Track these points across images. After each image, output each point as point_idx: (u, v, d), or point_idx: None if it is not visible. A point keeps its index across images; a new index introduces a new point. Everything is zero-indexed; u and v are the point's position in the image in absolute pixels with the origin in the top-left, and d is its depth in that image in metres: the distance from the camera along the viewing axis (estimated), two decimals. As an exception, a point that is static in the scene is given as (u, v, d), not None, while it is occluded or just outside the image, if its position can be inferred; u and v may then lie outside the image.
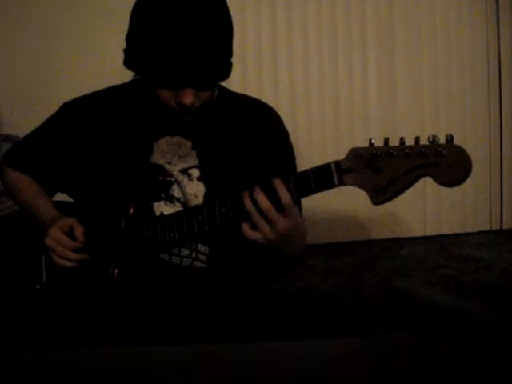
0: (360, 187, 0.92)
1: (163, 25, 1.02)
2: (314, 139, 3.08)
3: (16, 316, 1.20)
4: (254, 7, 2.95)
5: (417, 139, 0.90)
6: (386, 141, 0.91)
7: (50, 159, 1.27)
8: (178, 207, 1.17)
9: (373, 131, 3.16)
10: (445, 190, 2.91)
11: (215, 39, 1.05)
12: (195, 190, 1.18)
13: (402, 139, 0.91)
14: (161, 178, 1.18)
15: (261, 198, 0.98)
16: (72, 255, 1.15)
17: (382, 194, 0.90)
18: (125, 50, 1.10)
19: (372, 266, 2.79)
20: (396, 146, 0.90)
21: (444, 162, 0.86)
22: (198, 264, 1.19)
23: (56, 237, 1.15)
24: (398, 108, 3.16)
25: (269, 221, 0.99)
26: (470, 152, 0.91)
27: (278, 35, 3.01)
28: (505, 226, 3.28)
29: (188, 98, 1.06)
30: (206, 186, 1.18)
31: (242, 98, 1.29)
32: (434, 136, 0.88)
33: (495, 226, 3.27)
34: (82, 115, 1.24)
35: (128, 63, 1.10)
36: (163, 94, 1.08)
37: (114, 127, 1.21)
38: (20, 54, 2.78)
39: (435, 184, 0.91)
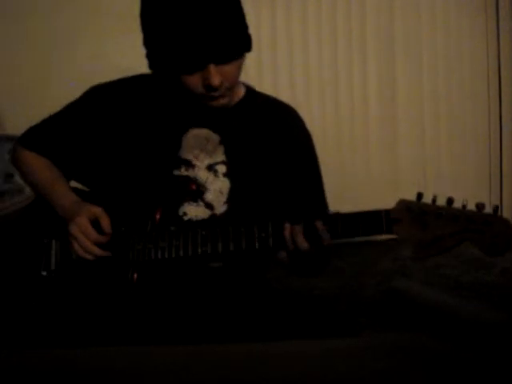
0: (405, 238, 0.98)
1: (171, 11, 1.04)
2: (315, 139, 3.08)
3: (20, 305, 1.18)
4: (253, 7, 2.95)
5: (464, 203, 0.96)
6: (434, 198, 0.97)
7: (70, 144, 1.24)
8: (201, 207, 1.17)
9: (373, 131, 3.16)
10: (444, 190, 2.90)
11: (223, 10, 1.06)
12: (220, 187, 1.18)
13: (449, 200, 0.97)
14: (194, 187, 1.18)
15: (300, 239, 1.03)
16: (96, 250, 1.11)
17: (425, 250, 0.98)
18: (146, 55, 1.11)
19: (372, 266, 2.79)
20: (445, 207, 0.96)
21: (490, 231, 0.94)
22: (212, 264, 1.19)
23: (82, 227, 1.11)
24: (398, 108, 3.16)
25: (304, 255, 1.04)
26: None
27: (277, 35, 3.01)
28: (505, 226, 3.28)
29: (214, 77, 1.06)
30: (232, 183, 1.18)
31: (268, 98, 1.30)
32: (480, 203, 0.95)
33: (495, 226, 3.26)
34: (109, 102, 1.22)
35: (151, 65, 1.11)
36: (190, 81, 1.08)
37: (142, 117, 1.20)
38: (20, 54, 2.78)
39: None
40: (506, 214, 3.29)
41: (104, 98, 1.23)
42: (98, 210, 1.13)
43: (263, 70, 3.02)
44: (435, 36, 3.13)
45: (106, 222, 1.11)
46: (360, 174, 3.11)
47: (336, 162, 3.08)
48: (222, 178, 1.18)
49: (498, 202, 3.28)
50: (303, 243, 1.02)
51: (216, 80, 1.06)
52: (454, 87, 3.17)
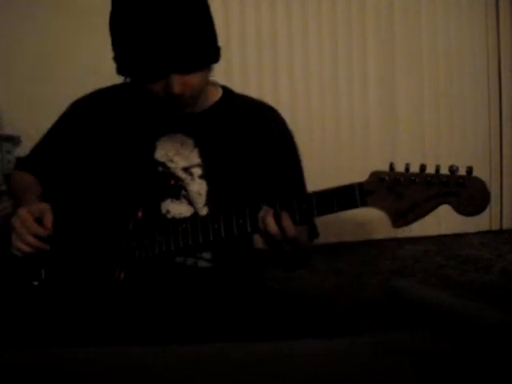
0: (381, 209, 0.96)
1: (138, 18, 1.04)
2: (315, 140, 3.08)
3: (11, 312, 1.19)
4: (253, 7, 2.95)
5: (437, 167, 0.96)
6: (408, 166, 0.96)
7: (57, 161, 1.28)
8: (184, 204, 1.18)
9: (373, 131, 3.16)
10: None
11: (190, 21, 1.05)
12: (198, 188, 1.18)
13: (422, 166, 0.95)
14: (173, 182, 1.19)
15: (271, 225, 1.01)
16: (31, 240, 1.11)
17: (402, 218, 0.96)
18: (114, 58, 1.12)
19: (372, 266, 2.79)
20: (418, 173, 0.95)
21: (464, 192, 0.93)
22: (201, 263, 1.19)
23: (22, 218, 1.11)
24: (398, 108, 3.16)
25: (274, 241, 1.02)
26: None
27: (277, 35, 3.01)
28: (505, 226, 3.29)
29: (175, 86, 1.06)
30: (209, 184, 1.18)
31: (245, 99, 1.30)
32: (453, 166, 0.94)
33: (495, 226, 3.27)
34: (87, 114, 1.25)
35: (119, 70, 1.12)
36: (153, 88, 1.09)
37: (118, 126, 1.22)
38: (20, 55, 2.79)
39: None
40: (506, 215, 3.30)
41: (82, 111, 1.26)
42: (43, 206, 1.14)
43: (263, 70, 3.02)
44: (435, 35, 3.14)
45: (47, 217, 1.12)
46: (358, 174, 3.11)
47: (335, 161, 3.08)
48: (198, 180, 1.19)
49: (498, 204, 3.28)
50: (273, 228, 1.00)
51: (177, 89, 1.07)
52: (454, 86, 3.18)
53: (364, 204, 0.97)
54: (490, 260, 2.76)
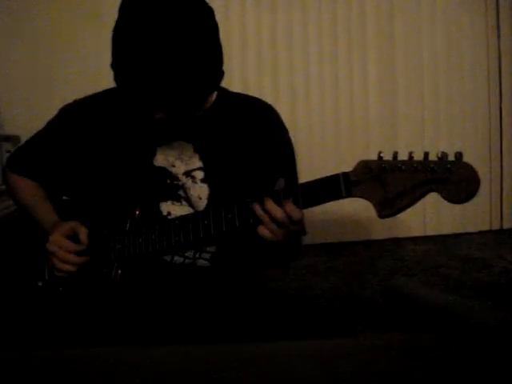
0: (367, 199, 0.93)
1: (136, 51, 1.02)
2: (315, 141, 3.08)
3: (17, 313, 1.20)
4: (254, 10, 2.95)
5: (425, 155, 0.91)
6: (395, 155, 0.92)
7: (53, 163, 1.28)
8: (185, 206, 1.18)
9: (373, 132, 3.16)
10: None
11: (189, 68, 1.03)
12: (199, 192, 1.18)
13: (410, 154, 0.92)
14: (168, 181, 1.19)
15: (274, 208, 0.99)
16: (74, 258, 1.15)
17: (388, 207, 0.91)
18: (111, 65, 1.12)
19: (372, 265, 2.79)
20: (405, 161, 0.91)
21: (452, 178, 0.87)
22: (200, 262, 1.19)
23: (57, 242, 1.15)
24: (398, 109, 3.16)
25: (281, 226, 1.00)
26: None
27: (277, 36, 3.01)
28: (505, 226, 3.29)
29: (158, 115, 1.08)
30: (210, 188, 1.18)
31: (240, 98, 1.29)
32: (442, 152, 0.90)
33: (495, 226, 3.27)
34: (82, 119, 1.24)
35: (115, 80, 1.12)
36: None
37: (116, 130, 1.22)
38: (20, 54, 2.79)
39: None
40: (506, 215, 3.30)
41: (77, 115, 1.26)
42: (72, 224, 1.18)
43: (263, 70, 3.02)
44: (435, 34, 3.14)
45: (82, 231, 1.16)
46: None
47: (334, 160, 3.08)
48: (200, 184, 1.19)
49: (498, 204, 3.28)
50: (277, 211, 0.98)
51: (160, 115, 1.08)
52: (454, 88, 3.18)
53: (350, 195, 0.94)
54: (490, 260, 2.76)
